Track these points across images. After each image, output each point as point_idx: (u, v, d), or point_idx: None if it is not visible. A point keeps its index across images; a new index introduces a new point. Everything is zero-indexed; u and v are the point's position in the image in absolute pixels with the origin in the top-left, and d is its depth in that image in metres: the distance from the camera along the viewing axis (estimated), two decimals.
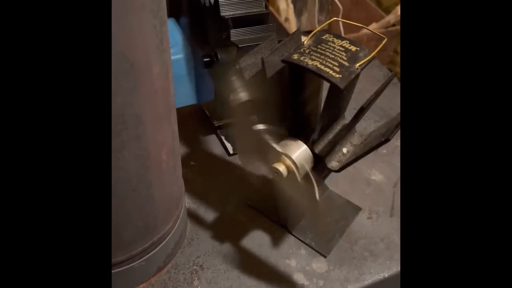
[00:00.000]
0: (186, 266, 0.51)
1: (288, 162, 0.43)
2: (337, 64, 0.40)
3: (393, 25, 1.12)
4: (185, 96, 0.68)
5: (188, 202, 0.57)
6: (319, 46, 0.42)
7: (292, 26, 1.17)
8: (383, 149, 0.66)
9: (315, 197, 0.41)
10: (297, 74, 0.42)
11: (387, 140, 0.38)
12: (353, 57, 0.41)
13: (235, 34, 0.53)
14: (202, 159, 0.64)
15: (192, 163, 0.63)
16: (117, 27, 0.29)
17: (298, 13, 1.25)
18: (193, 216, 0.56)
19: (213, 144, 0.66)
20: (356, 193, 0.60)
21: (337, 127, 0.46)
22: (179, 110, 0.45)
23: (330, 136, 0.46)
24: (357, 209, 0.58)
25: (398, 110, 0.39)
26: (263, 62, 0.41)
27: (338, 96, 0.41)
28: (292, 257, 0.52)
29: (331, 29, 1.14)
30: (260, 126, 0.45)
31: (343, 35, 1.04)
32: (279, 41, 0.45)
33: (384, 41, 0.43)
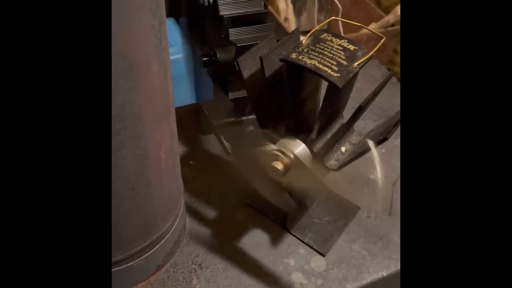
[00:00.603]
0: (185, 265, 0.51)
1: (287, 160, 0.44)
2: (335, 63, 0.40)
3: (393, 25, 1.12)
4: (185, 95, 0.68)
5: (187, 201, 0.58)
6: (317, 45, 0.42)
7: (291, 25, 1.16)
8: (382, 148, 0.66)
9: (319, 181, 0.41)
10: (296, 73, 0.42)
11: (385, 139, 0.38)
12: (351, 56, 0.41)
13: (234, 34, 0.53)
14: (201, 159, 0.64)
15: (191, 162, 0.63)
16: (116, 26, 0.29)
17: (298, 13, 1.24)
18: (192, 215, 0.56)
19: (212, 143, 0.66)
20: (355, 192, 0.60)
21: (336, 126, 0.46)
22: (178, 110, 0.45)
23: (328, 135, 0.46)
24: (356, 208, 0.58)
25: (397, 109, 0.39)
26: (262, 61, 0.42)
27: (336, 95, 0.41)
28: (290, 256, 0.52)
29: (330, 29, 1.14)
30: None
31: (342, 34, 1.04)
32: (277, 41, 0.45)
33: (382, 40, 0.43)
